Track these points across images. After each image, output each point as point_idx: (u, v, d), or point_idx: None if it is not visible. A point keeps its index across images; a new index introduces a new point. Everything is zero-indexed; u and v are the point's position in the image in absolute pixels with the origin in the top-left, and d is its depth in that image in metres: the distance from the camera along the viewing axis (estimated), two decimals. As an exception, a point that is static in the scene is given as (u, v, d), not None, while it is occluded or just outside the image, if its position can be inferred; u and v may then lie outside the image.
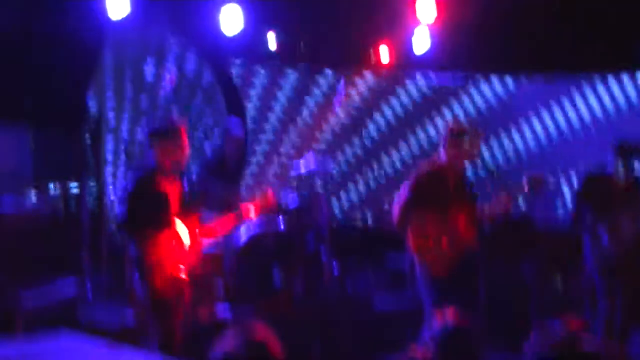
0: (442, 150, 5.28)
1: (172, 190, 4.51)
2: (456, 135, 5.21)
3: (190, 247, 4.51)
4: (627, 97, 8.88)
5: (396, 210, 5.25)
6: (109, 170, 7.25)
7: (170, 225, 4.43)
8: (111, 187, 7.46)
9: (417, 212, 5.17)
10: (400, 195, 5.29)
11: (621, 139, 6.09)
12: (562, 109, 9.04)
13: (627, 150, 5.66)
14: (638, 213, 5.70)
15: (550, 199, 8.25)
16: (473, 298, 5.10)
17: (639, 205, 5.75)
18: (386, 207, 8.67)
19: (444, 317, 3.10)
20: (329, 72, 8.83)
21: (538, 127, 9.15)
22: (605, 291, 5.59)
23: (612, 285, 5.60)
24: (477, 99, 9.27)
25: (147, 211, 4.35)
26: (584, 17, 7.58)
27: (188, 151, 4.57)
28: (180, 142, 4.48)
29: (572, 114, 9.01)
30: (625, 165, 5.60)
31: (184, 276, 4.42)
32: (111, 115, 7.82)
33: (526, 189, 5.19)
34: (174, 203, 4.50)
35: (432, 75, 9.20)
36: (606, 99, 8.93)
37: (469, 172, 5.49)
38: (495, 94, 9.24)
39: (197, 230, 4.60)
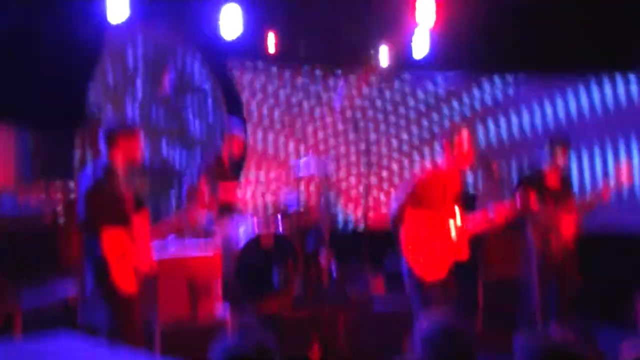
0: (441, 153, 5.31)
1: (126, 188, 4.65)
2: (455, 138, 5.24)
3: (143, 244, 4.62)
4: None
5: (393, 211, 5.26)
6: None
7: (128, 223, 4.56)
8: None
9: (412, 214, 5.21)
10: (397, 197, 5.31)
11: (554, 133, 6.24)
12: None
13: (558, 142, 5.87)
14: (571, 208, 5.87)
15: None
16: (465, 301, 5.12)
17: (571, 200, 5.95)
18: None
19: (431, 318, 3.08)
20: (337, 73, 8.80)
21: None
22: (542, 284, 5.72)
23: (546, 279, 5.72)
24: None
25: (105, 209, 4.48)
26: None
27: (142, 152, 4.77)
28: (136, 142, 4.65)
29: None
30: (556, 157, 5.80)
31: (141, 273, 4.58)
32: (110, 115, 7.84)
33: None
34: (129, 201, 4.63)
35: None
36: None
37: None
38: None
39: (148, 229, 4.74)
